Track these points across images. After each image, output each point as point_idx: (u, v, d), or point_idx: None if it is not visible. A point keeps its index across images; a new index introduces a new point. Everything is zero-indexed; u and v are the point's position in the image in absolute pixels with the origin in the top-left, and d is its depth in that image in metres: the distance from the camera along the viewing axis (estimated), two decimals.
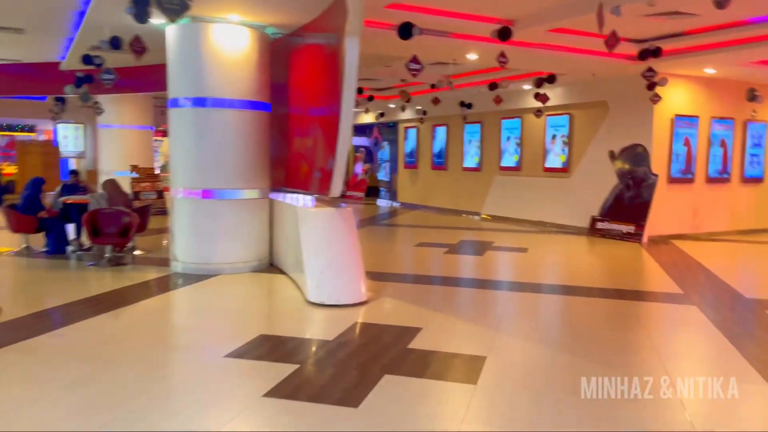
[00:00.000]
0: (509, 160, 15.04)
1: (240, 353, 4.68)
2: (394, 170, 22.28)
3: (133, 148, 15.38)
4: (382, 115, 20.06)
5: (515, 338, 5.36)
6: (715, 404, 3.94)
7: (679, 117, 11.50)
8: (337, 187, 6.44)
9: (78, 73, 10.58)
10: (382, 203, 20.11)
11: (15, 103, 18.17)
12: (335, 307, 6.08)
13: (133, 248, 8.92)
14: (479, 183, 15.85)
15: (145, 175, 14.56)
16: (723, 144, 12.15)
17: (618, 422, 3.64)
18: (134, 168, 14.62)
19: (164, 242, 8.81)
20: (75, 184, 10.09)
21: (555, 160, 13.69)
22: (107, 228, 8.23)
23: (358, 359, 4.60)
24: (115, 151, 15.38)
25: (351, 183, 20.77)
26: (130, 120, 15.42)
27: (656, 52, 8.81)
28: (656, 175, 11.20)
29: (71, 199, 9.10)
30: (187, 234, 7.80)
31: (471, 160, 16.40)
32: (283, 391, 3.95)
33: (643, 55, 8.91)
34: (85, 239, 8.65)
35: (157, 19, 6.33)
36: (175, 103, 7.77)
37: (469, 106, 15.08)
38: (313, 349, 4.98)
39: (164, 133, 16.36)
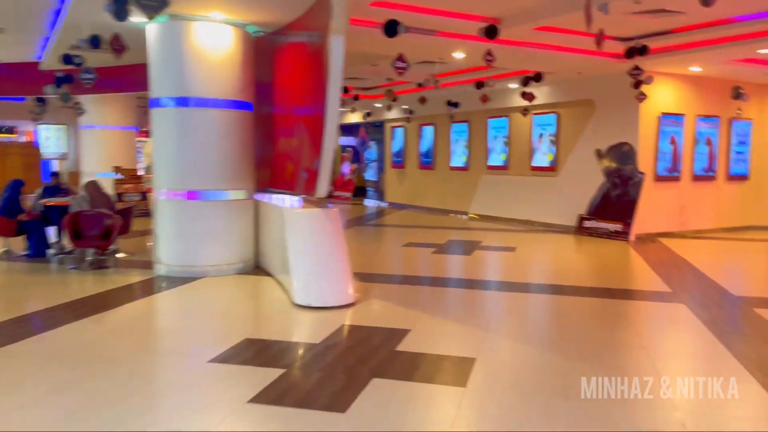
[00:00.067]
0: (496, 159, 15.03)
1: (224, 358, 4.58)
2: (381, 170, 22.20)
3: (116, 149, 15.15)
4: (368, 114, 19.97)
5: (504, 339, 5.31)
6: (705, 403, 3.91)
7: (665, 115, 11.53)
8: (323, 187, 6.36)
9: (58, 73, 10.39)
10: (370, 203, 20.03)
11: None
12: (322, 309, 5.99)
13: (116, 251, 8.76)
14: (467, 182, 15.82)
15: (129, 176, 14.37)
16: (708, 142, 12.21)
17: (609, 422, 3.60)
18: (117, 169, 14.41)
19: (149, 244, 8.65)
20: (56, 186, 9.89)
21: (542, 158, 13.69)
22: (89, 230, 8.07)
23: (346, 362, 4.52)
24: (98, 153, 15.14)
25: (338, 183, 20.66)
26: (113, 120, 15.19)
27: (643, 51, 8.82)
28: (643, 174, 11.23)
29: (52, 201, 8.92)
30: (171, 236, 7.66)
31: (458, 160, 16.37)
32: (268, 396, 3.86)
33: (630, 53, 8.91)
34: (67, 242, 8.48)
35: (136, 18, 6.19)
36: (158, 102, 7.63)
37: (455, 105, 15.04)
38: (300, 352, 4.89)
39: (148, 134, 16.19)
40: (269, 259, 7.71)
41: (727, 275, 8.65)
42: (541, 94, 12.90)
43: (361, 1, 7.16)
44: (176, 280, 7.29)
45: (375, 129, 22.56)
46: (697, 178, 12.14)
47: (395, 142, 19.24)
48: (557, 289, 7.25)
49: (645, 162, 11.36)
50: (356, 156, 23.20)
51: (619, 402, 3.86)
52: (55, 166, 20.91)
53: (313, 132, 6.61)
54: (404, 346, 4.87)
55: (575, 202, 12.23)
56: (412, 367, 4.42)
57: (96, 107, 14.65)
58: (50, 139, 21.34)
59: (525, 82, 11.62)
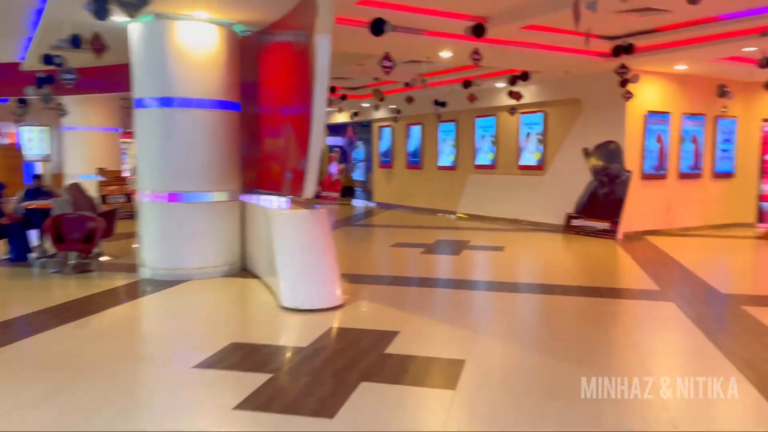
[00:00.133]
0: (484, 158, 15.02)
1: (210, 363, 4.49)
2: (369, 170, 22.13)
3: (99, 151, 14.94)
4: (356, 114, 19.90)
5: (494, 340, 5.26)
6: (695, 403, 3.88)
7: (651, 113, 11.58)
8: (310, 188, 6.28)
9: (39, 73, 10.21)
10: (358, 203, 19.96)
11: None
12: (310, 312, 5.92)
13: (100, 254, 8.63)
14: (455, 182, 15.80)
15: (113, 178, 14.18)
16: (694, 140, 12.27)
17: (600, 423, 3.56)
18: (101, 171, 14.21)
19: (134, 245, 8.50)
20: (38, 189, 9.73)
21: (530, 157, 13.69)
22: (71, 234, 7.93)
23: (334, 366, 4.44)
24: (81, 154, 14.92)
25: (326, 183, 20.56)
26: (96, 122, 14.98)
27: (629, 49, 8.84)
28: (630, 172, 11.26)
29: (34, 204, 8.76)
30: (155, 239, 7.55)
31: (446, 159, 16.34)
32: (254, 402, 3.78)
33: (617, 52, 8.93)
34: (49, 246, 8.32)
35: (118, 17, 6.08)
36: (141, 103, 7.51)
37: (443, 104, 15.01)
38: (287, 356, 4.81)
39: (132, 135, 16.02)
40: (256, 261, 7.62)
41: (714, 273, 8.68)
42: (529, 93, 12.91)
43: (348, 0, 7.09)
44: (161, 284, 7.18)
45: (362, 129, 22.49)
46: (683, 176, 12.20)
47: (383, 141, 19.18)
48: (546, 289, 7.23)
49: (632, 160, 11.39)
50: (344, 156, 23.11)
51: (610, 402, 3.83)
52: (38, 168, 20.63)
53: (299, 132, 6.53)
54: (393, 348, 4.82)
55: (563, 201, 12.25)
56: (402, 370, 4.36)
57: (79, 108, 14.44)
58: (33, 141, 21.05)
59: (512, 81, 11.61)
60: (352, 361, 4.54)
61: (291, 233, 6.47)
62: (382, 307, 6.33)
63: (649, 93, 11.51)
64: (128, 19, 5.76)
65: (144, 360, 4.84)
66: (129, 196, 13.94)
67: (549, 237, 11.61)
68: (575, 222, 11.92)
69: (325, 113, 6.09)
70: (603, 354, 4.90)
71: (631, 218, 11.29)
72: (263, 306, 6.32)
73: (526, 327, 5.92)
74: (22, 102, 13.84)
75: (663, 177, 11.92)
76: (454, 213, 15.34)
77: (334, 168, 21.25)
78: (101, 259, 8.62)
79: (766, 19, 7.66)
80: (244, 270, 7.96)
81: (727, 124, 12.72)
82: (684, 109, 12.03)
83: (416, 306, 6.44)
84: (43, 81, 10.25)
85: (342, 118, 21.01)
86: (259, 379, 4.13)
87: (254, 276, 7.57)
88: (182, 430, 3.48)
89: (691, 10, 7.25)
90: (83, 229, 7.97)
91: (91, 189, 12.41)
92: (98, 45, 7.13)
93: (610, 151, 11.56)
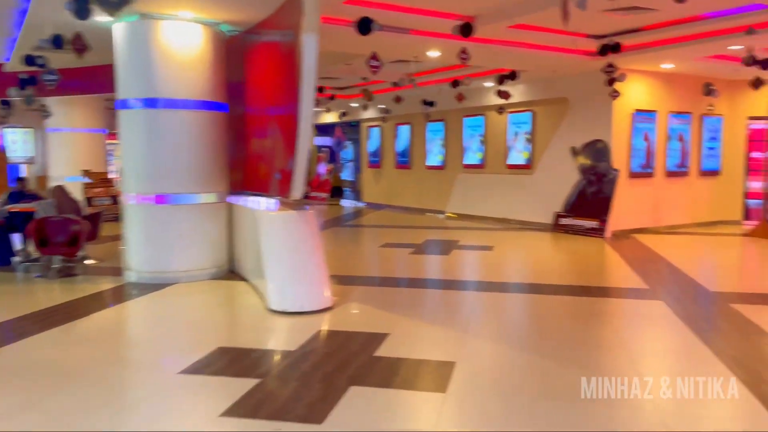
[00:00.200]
0: (473, 157, 15.01)
1: (196, 368, 4.41)
2: (358, 170, 22.07)
3: (85, 153, 14.75)
4: (344, 114, 19.81)
5: (484, 341, 5.23)
6: (685, 402, 3.87)
7: (638, 112, 11.62)
8: (298, 189, 6.22)
9: (21, 74, 10.05)
10: (347, 203, 19.89)
11: None
12: (299, 315, 5.85)
13: (85, 258, 8.50)
14: (443, 181, 15.78)
15: (99, 180, 14.00)
16: (681, 138, 12.33)
17: (592, 424, 3.54)
18: (86, 173, 14.04)
19: (121, 247, 8.38)
20: (21, 192, 9.59)
21: (518, 157, 13.70)
22: (55, 237, 7.81)
23: (323, 370, 4.39)
24: (66, 156, 14.72)
25: (314, 183, 20.46)
26: (81, 123, 14.78)
27: (616, 48, 8.84)
28: (617, 170, 11.29)
29: (17, 207, 8.62)
30: (141, 242, 7.45)
31: (435, 159, 16.32)
32: (242, 409, 3.72)
33: (603, 51, 8.93)
34: (32, 250, 8.19)
35: (100, 16, 5.97)
36: (125, 104, 7.41)
37: (431, 104, 14.97)
38: (275, 360, 4.75)
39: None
40: (244, 263, 7.54)
41: (702, 271, 8.72)
42: (516, 92, 12.91)
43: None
44: (147, 287, 7.08)
45: (351, 129, 22.41)
46: (670, 174, 12.26)
47: (371, 141, 19.12)
48: (535, 288, 7.22)
49: (619, 159, 11.43)
50: (332, 156, 23.03)
51: (602, 402, 3.81)
52: (23, 171, 20.37)
53: (287, 132, 6.46)
54: (383, 351, 4.77)
55: (551, 200, 12.26)
56: (391, 374, 4.31)
57: (63, 110, 14.23)
58: (17, 143, 20.77)
59: (500, 80, 11.60)
60: (342, 364, 4.49)
61: (279, 235, 6.41)
62: (372, 308, 6.28)
63: (636, 92, 11.55)
64: (110, 19, 5.65)
65: (129, 366, 4.75)
66: (115, 198, 13.77)
67: (538, 236, 11.62)
68: (564, 221, 11.94)
69: (312, 113, 6.03)
70: (593, 354, 4.88)
71: (619, 216, 11.33)
72: (251, 309, 6.25)
73: (515, 327, 5.89)
74: (6, 104, 13.64)
75: (650, 175, 11.97)
76: (443, 212, 15.32)
77: (322, 168, 21.16)
78: (86, 262, 8.49)
79: (751, 17, 7.70)
80: (231, 272, 7.88)
81: (713, 122, 12.79)
82: (670, 108, 12.09)
83: (406, 307, 6.39)
84: (26, 82, 10.09)
85: (330, 118, 20.92)
86: (246, 384, 4.06)
87: (242, 278, 7.49)
88: None
89: (677, 9, 7.27)
90: (67, 233, 7.85)
91: (77, 191, 12.26)
92: (79, 45, 7.01)
93: (597, 150, 11.59)
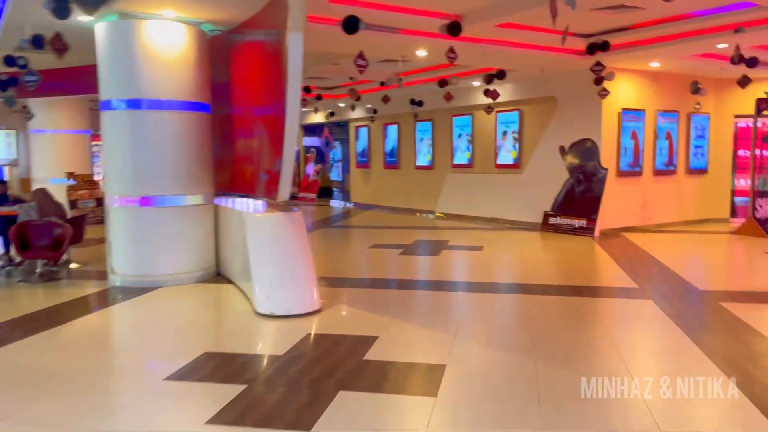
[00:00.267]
0: (461, 157, 14.98)
1: (181, 375, 4.32)
2: (346, 170, 21.99)
3: (69, 154, 14.52)
4: (332, 114, 19.73)
5: (474, 343, 5.17)
6: (678, 403, 3.83)
7: (626, 111, 11.64)
8: (285, 190, 6.13)
9: (1, 76, 9.87)
10: (336, 204, 19.80)
11: None
12: (286, 318, 5.77)
13: (68, 261, 8.36)
14: (432, 181, 15.73)
15: (83, 182, 13.80)
16: (668, 136, 12.37)
17: (585, 425, 3.49)
18: (70, 175, 13.83)
19: (108, 247, 8.25)
20: (3, 195, 9.40)
21: (506, 156, 13.69)
22: (38, 241, 7.67)
23: (311, 375, 4.30)
24: (50, 158, 14.49)
25: (303, 184, 20.38)
26: (65, 124, 14.56)
27: (604, 46, 8.84)
28: (606, 169, 11.30)
29: None
30: (126, 245, 7.32)
31: (423, 159, 16.28)
32: (228, 416, 3.63)
33: (592, 49, 8.93)
34: (15, 254, 8.03)
35: (80, 16, 5.85)
36: (108, 105, 7.28)
37: (419, 103, 14.94)
38: (263, 366, 4.67)
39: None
40: (230, 266, 7.44)
41: (691, 269, 8.73)
42: (504, 91, 12.89)
43: None
44: (132, 291, 6.96)
45: (339, 129, 22.33)
46: (658, 172, 12.29)
47: (359, 141, 19.05)
48: (525, 289, 7.18)
49: (608, 158, 11.44)
50: (321, 156, 22.93)
51: (594, 403, 3.77)
52: (5, 173, 20.09)
53: (273, 133, 6.38)
54: (372, 354, 4.70)
55: (540, 199, 12.25)
56: (381, 378, 4.24)
57: (46, 111, 14.03)
58: None
59: (488, 79, 11.56)
60: (330, 369, 4.41)
61: (266, 237, 6.31)
62: (361, 311, 6.21)
63: (624, 90, 11.56)
64: (91, 18, 5.54)
65: (113, 372, 4.65)
66: (100, 201, 13.59)
67: (527, 235, 11.60)
68: (553, 220, 11.93)
69: (298, 113, 5.94)
70: (584, 356, 4.85)
71: (608, 215, 11.34)
72: (238, 313, 6.15)
73: (506, 328, 5.84)
74: None
75: (638, 174, 12.00)
76: (432, 213, 15.28)
77: (311, 169, 21.07)
78: (70, 266, 8.35)
79: (738, 15, 7.72)
80: (218, 275, 7.77)
81: (700, 120, 12.85)
82: (658, 106, 12.13)
83: (395, 309, 6.32)
84: (7, 83, 9.91)
85: (318, 118, 20.83)
86: (233, 390, 3.98)
87: (229, 281, 7.39)
88: None
89: (665, 7, 7.28)
90: (50, 236, 7.71)
91: (61, 193, 12.07)
92: (59, 45, 6.87)
93: (586, 149, 11.59)
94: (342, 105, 18.52)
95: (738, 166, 12.69)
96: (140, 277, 7.19)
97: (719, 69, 11.04)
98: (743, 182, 12.50)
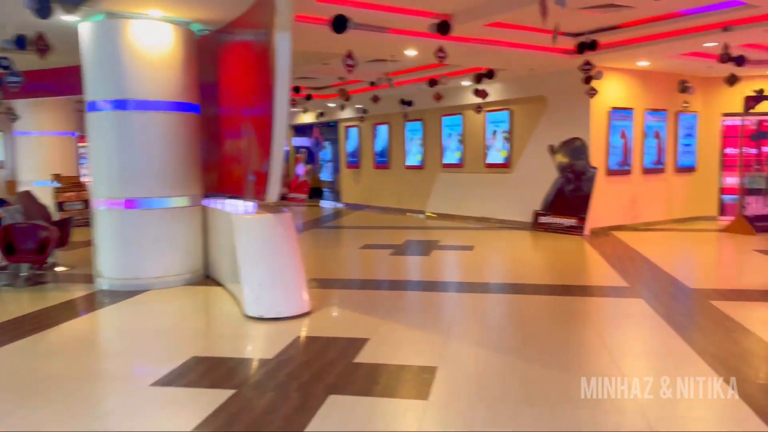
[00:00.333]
0: (451, 157, 14.97)
1: (169, 380, 4.25)
2: (336, 170, 21.91)
3: (54, 156, 14.33)
4: (321, 114, 19.66)
5: (466, 344, 5.14)
6: (670, 402, 3.82)
7: (614, 110, 11.66)
8: (273, 191, 6.07)
9: None
10: (326, 204, 19.72)
11: None
12: (276, 321, 5.71)
13: (54, 265, 8.24)
14: (423, 181, 15.71)
15: (69, 184, 13.64)
16: (657, 135, 12.41)
17: (579, 425, 3.47)
18: (56, 177, 13.67)
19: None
20: None
21: (496, 155, 13.68)
22: (23, 244, 7.55)
23: (301, 379, 4.25)
24: (36, 160, 14.28)
25: (293, 185, 20.27)
26: (50, 126, 14.37)
27: (593, 46, 8.85)
28: (595, 168, 11.32)
29: None
30: (112, 248, 7.22)
31: (413, 158, 16.25)
32: (216, 421, 3.58)
33: (581, 49, 8.93)
34: None
35: (62, 15, 5.76)
36: (94, 106, 7.18)
37: (409, 103, 14.91)
38: (252, 370, 4.60)
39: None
40: (219, 268, 7.36)
41: (681, 267, 8.75)
42: (494, 91, 12.89)
43: None
44: (119, 295, 6.87)
45: (329, 129, 22.25)
46: (647, 171, 12.33)
47: (350, 141, 18.99)
48: (516, 288, 7.17)
49: (597, 156, 11.46)
50: (311, 157, 22.84)
51: (587, 403, 3.75)
52: None
53: (262, 133, 6.31)
54: (363, 357, 4.65)
55: (530, 198, 12.26)
56: (372, 381, 4.19)
57: (31, 112, 13.84)
58: None
59: (478, 79, 11.56)
60: (320, 372, 4.36)
61: (255, 238, 6.25)
62: (351, 312, 6.16)
63: (613, 89, 11.59)
64: (75, 18, 5.45)
65: (100, 378, 4.57)
66: (87, 203, 13.44)
67: (517, 235, 11.60)
68: (543, 219, 11.94)
69: (287, 113, 5.88)
70: (576, 355, 4.83)
71: (598, 214, 11.36)
72: (227, 315, 6.08)
73: (497, 329, 5.81)
74: None
75: (627, 172, 12.03)
76: (422, 212, 15.25)
77: (301, 169, 20.97)
78: (56, 270, 8.23)
79: (726, 14, 7.74)
80: (207, 278, 7.69)
81: (688, 119, 12.91)
82: (647, 105, 12.16)
83: (386, 310, 6.27)
84: None
85: (308, 118, 20.75)
86: (221, 395, 3.92)
87: (218, 284, 7.31)
88: None
89: (653, 6, 7.29)
90: (35, 239, 7.59)
91: (47, 196, 11.92)
92: (42, 45, 6.77)
93: (575, 148, 11.60)
94: (332, 105, 18.45)
95: (726, 164, 12.76)
96: (127, 280, 7.10)
97: (707, 68, 11.08)
98: (731, 180, 12.56)
